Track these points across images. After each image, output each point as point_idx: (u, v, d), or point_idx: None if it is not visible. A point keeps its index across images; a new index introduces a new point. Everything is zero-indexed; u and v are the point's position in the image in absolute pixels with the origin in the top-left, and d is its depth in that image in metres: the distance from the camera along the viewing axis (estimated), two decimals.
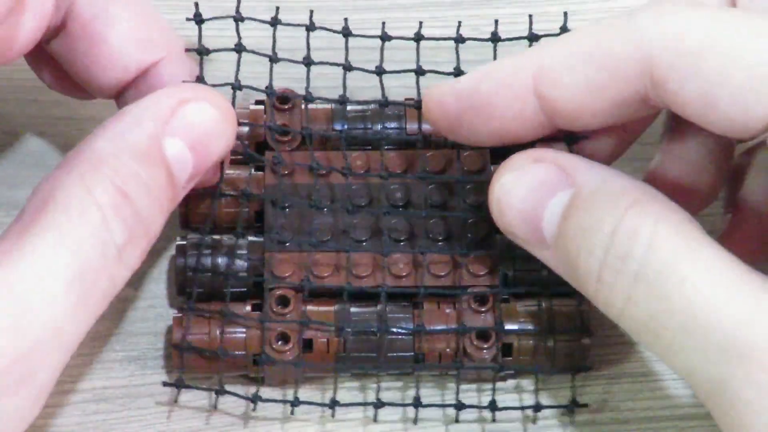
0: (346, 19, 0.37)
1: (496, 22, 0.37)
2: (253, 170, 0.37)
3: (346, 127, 0.38)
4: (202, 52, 0.35)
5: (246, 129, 0.37)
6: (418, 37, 0.36)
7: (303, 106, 0.36)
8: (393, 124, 0.38)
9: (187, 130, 0.32)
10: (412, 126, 0.38)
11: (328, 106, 0.38)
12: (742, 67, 0.29)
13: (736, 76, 0.29)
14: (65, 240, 0.29)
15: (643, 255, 0.29)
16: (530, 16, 0.37)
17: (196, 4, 0.35)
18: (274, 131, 0.37)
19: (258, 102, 0.38)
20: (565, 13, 0.36)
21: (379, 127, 0.38)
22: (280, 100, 0.38)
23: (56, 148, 0.40)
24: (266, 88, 0.35)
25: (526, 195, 0.32)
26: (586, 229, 0.30)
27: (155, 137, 0.31)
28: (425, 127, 0.37)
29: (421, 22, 0.37)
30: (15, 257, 0.29)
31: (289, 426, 0.36)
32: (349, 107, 0.38)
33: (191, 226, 0.37)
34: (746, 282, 0.28)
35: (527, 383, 0.37)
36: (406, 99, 0.38)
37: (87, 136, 0.31)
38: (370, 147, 0.37)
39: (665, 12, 0.30)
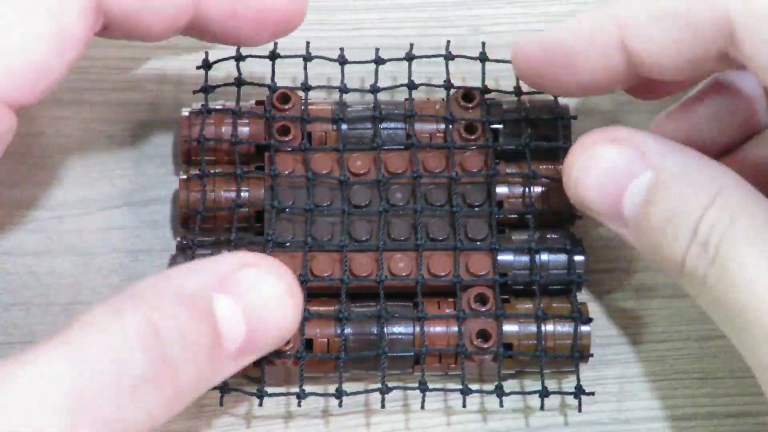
0: (342, 49, 0.38)
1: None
2: (253, 168, 0.37)
3: (344, 137, 0.38)
4: (207, 89, 0.37)
5: (246, 129, 0.37)
6: (410, 57, 0.38)
7: (301, 129, 0.37)
8: (392, 125, 0.38)
9: (242, 293, 0.30)
10: (415, 126, 0.38)
11: (328, 107, 0.38)
12: None
13: None
14: (74, 354, 0.27)
15: (718, 242, 0.30)
16: (483, 43, 0.38)
17: (206, 52, 0.37)
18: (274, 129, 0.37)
19: (258, 102, 0.38)
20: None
21: (380, 126, 0.38)
22: (281, 99, 0.37)
23: (56, 148, 0.39)
24: (266, 113, 0.37)
25: (606, 175, 0.33)
26: (672, 217, 0.31)
27: (206, 288, 0.30)
28: (427, 127, 0.37)
29: (412, 44, 0.38)
30: (13, 366, 0.27)
31: (291, 425, 0.36)
32: (350, 108, 0.38)
33: (191, 227, 0.37)
34: None
35: (529, 382, 0.37)
36: (405, 99, 0.38)
37: None
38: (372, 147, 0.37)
39: None
